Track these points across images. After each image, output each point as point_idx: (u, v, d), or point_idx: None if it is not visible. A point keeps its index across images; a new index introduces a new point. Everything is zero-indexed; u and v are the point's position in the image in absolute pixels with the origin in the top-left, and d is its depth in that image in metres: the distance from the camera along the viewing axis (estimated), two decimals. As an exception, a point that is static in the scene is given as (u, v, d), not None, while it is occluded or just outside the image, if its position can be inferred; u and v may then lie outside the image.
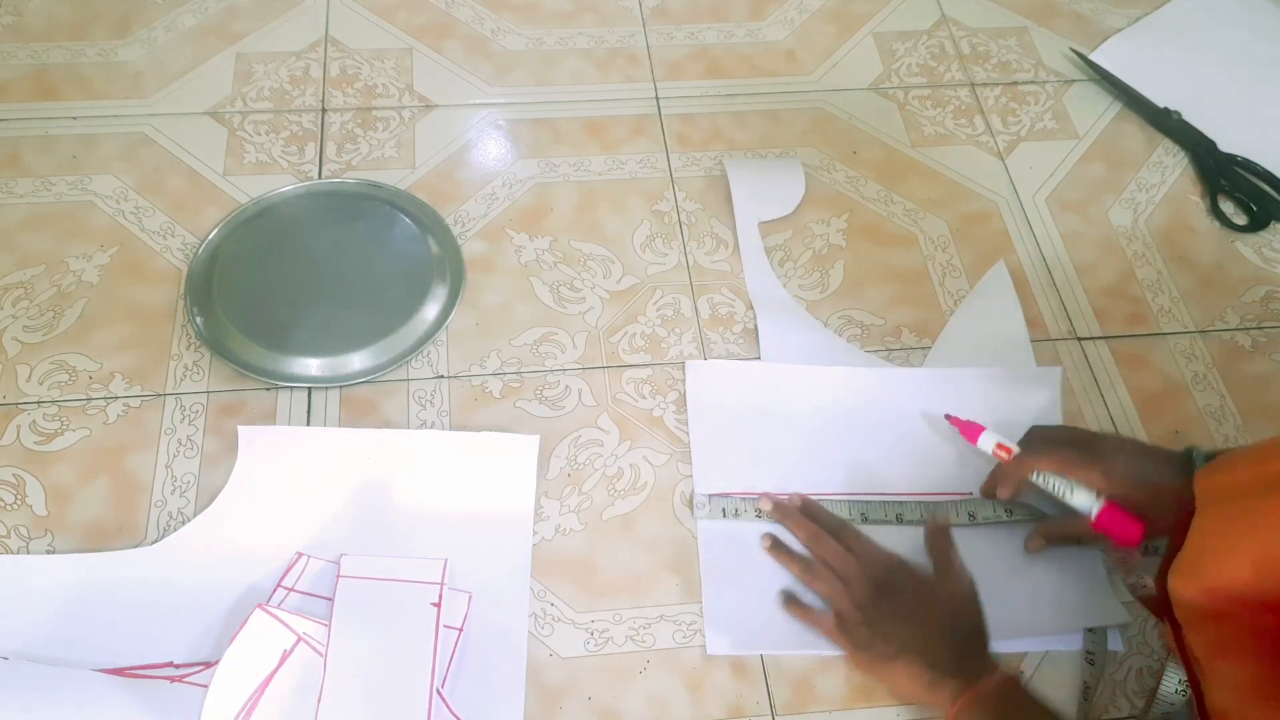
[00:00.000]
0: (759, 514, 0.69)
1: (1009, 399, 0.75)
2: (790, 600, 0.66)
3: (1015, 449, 0.67)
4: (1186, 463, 0.62)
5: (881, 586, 0.63)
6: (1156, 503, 0.62)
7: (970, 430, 0.69)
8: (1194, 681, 0.55)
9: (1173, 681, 0.61)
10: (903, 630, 0.61)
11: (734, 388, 0.75)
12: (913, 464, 0.72)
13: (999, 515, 0.70)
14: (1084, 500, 0.63)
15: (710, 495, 0.70)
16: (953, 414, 0.71)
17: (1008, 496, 0.68)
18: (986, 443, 0.68)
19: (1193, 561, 0.54)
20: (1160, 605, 0.57)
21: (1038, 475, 0.65)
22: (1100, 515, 0.63)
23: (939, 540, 0.66)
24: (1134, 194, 0.90)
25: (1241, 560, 0.51)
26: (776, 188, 0.85)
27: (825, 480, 0.71)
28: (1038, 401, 0.75)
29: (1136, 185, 0.91)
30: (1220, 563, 0.52)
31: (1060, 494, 0.64)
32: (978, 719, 0.57)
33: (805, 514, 0.68)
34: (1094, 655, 0.65)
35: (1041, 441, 0.67)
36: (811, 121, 0.92)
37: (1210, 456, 0.62)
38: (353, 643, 0.60)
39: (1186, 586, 0.54)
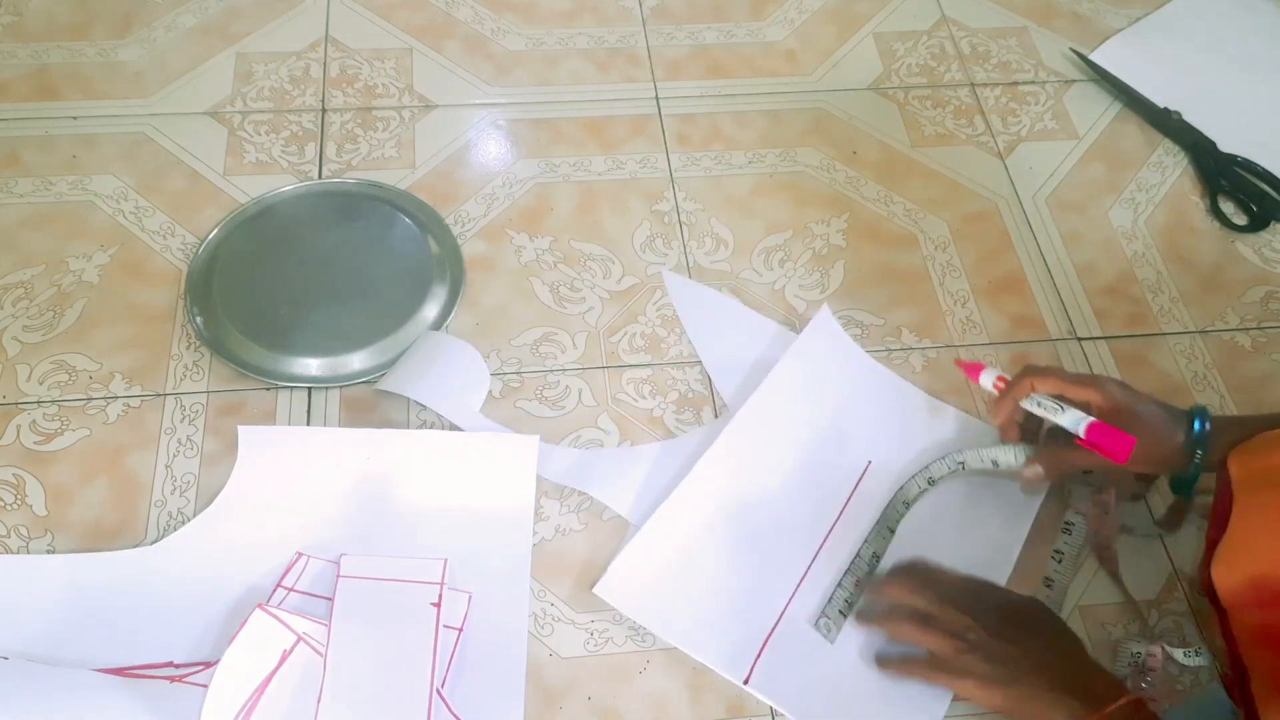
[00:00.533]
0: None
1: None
2: (883, 657, 0.63)
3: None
4: (1185, 419, 0.62)
5: (971, 611, 0.60)
6: (1148, 432, 0.61)
7: (972, 369, 0.70)
8: (1238, 667, 0.55)
9: (1125, 654, 0.63)
10: (1010, 650, 0.58)
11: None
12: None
13: (952, 468, 0.69)
14: (1073, 418, 0.62)
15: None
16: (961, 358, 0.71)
17: (1001, 423, 0.67)
18: (987, 379, 0.68)
19: (1235, 549, 0.54)
20: (1205, 589, 0.56)
21: (1031, 399, 0.65)
22: (1089, 429, 0.62)
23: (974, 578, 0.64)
24: (1134, 194, 0.90)
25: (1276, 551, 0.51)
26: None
27: None
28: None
29: (1136, 185, 0.91)
30: (1264, 551, 0.52)
31: (1052, 413, 0.64)
32: None
33: (889, 573, 0.65)
34: (1061, 554, 0.67)
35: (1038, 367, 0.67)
36: (811, 121, 0.92)
37: (1210, 419, 0.61)
38: (353, 643, 0.60)
39: (1230, 575, 0.54)
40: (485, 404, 0.74)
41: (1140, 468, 0.65)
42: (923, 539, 0.69)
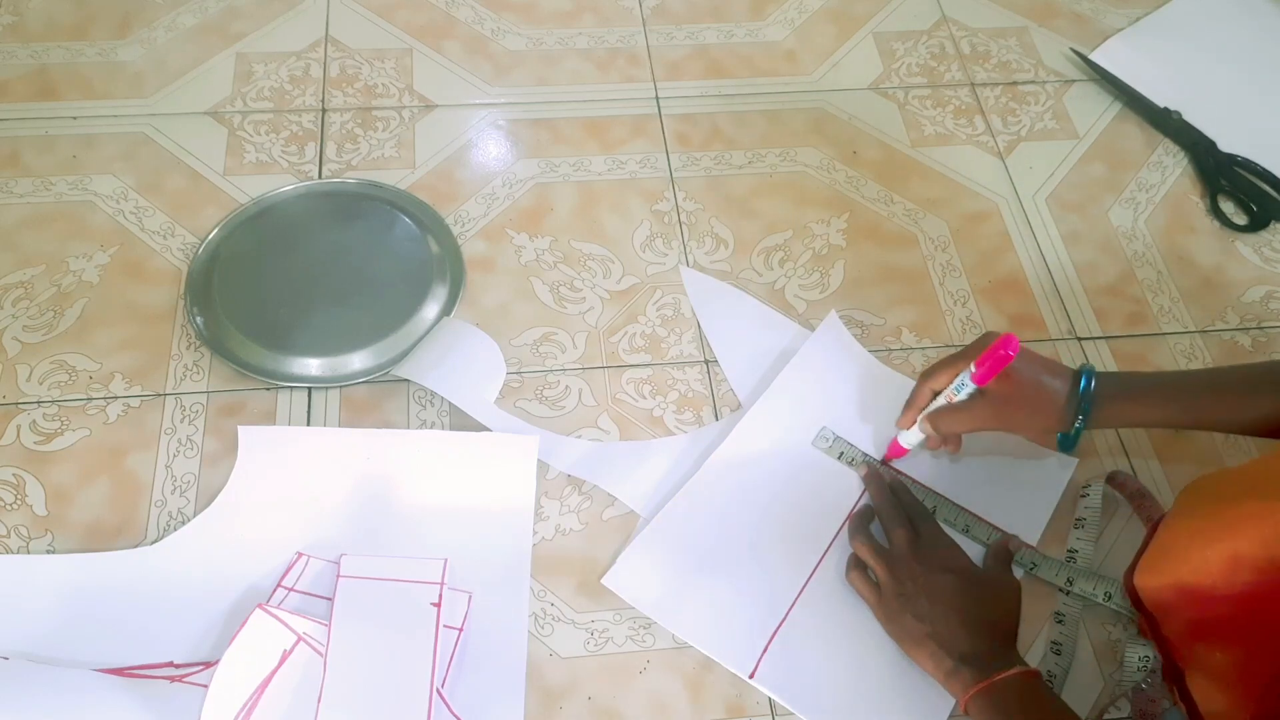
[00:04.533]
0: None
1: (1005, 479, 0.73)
2: (852, 566, 0.66)
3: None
4: (1075, 375, 0.63)
5: (930, 570, 0.63)
6: (1032, 393, 0.63)
7: (894, 452, 0.71)
8: (1171, 664, 0.59)
9: (1133, 659, 0.63)
10: (936, 614, 0.61)
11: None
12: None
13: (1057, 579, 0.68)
14: (962, 378, 0.64)
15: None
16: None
17: (907, 424, 0.68)
18: (908, 439, 0.69)
19: (1158, 558, 0.59)
20: (1131, 597, 0.60)
21: (934, 389, 0.66)
22: (977, 366, 0.62)
23: (1002, 553, 0.67)
24: (1134, 194, 0.90)
25: (1213, 557, 0.54)
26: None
27: None
28: (1039, 492, 0.72)
29: (1136, 185, 0.91)
30: (1191, 559, 0.56)
31: (956, 393, 0.64)
32: (988, 709, 0.58)
33: (895, 489, 0.69)
34: (1063, 615, 0.67)
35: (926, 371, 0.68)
36: (811, 121, 0.92)
37: (1096, 376, 0.63)
38: (353, 643, 0.60)
39: (1151, 581, 0.59)
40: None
41: (1025, 432, 0.66)
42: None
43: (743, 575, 0.67)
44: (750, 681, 0.63)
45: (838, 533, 0.69)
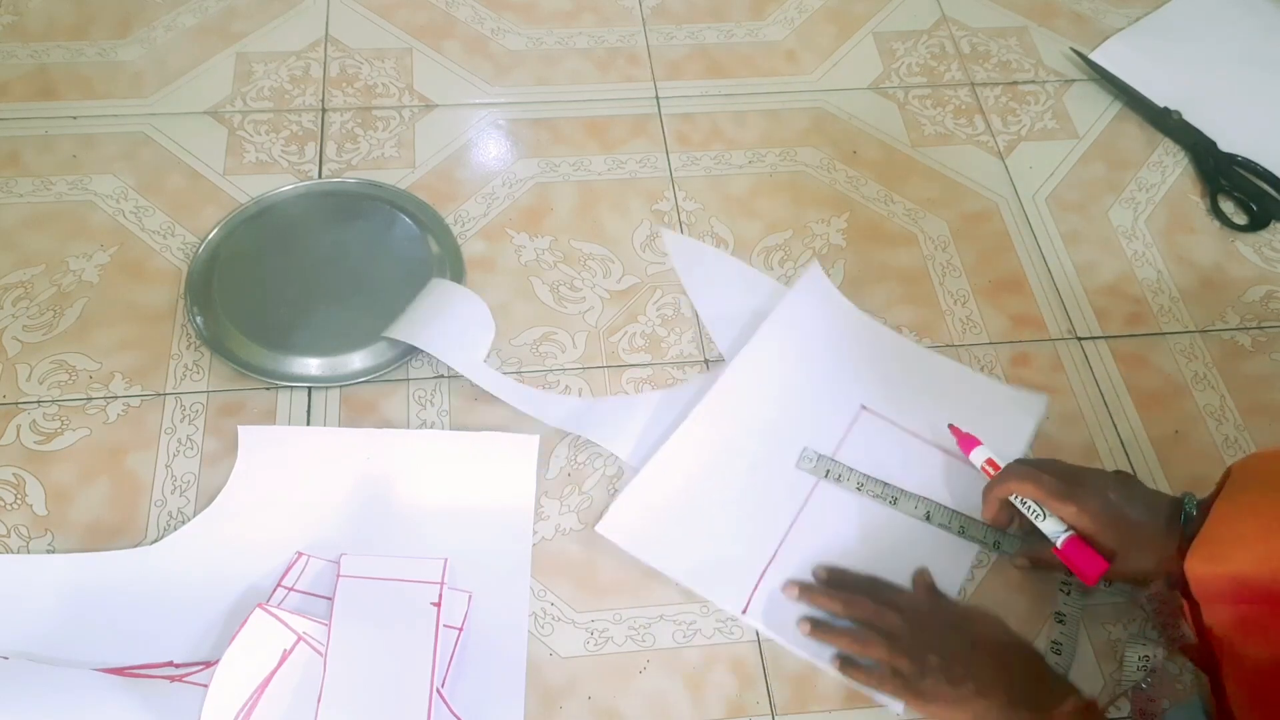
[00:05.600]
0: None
1: (984, 413, 0.75)
2: (845, 663, 0.64)
3: (1004, 468, 0.67)
4: (1176, 509, 0.62)
5: (930, 632, 0.62)
6: (1131, 544, 0.61)
7: (966, 442, 0.70)
8: (1206, 658, 0.56)
9: (1133, 659, 0.63)
10: (970, 672, 0.59)
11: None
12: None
13: (951, 524, 0.69)
14: (1053, 528, 0.63)
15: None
16: (954, 422, 0.71)
17: (988, 517, 0.68)
18: (978, 457, 0.69)
19: (1216, 545, 0.55)
20: (1178, 581, 0.57)
21: (1015, 496, 0.65)
22: (1064, 545, 0.63)
23: (931, 586, 0.66)
24: (1134, 194, 0.90)
25: (1259, 551, 0.52)
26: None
27: None
28: (1014, 425, 0.75)
29: (1136, 185, 0.91)
30: (1248, 551, 0.53)
31: (1035, 518, 0.64)
32: None
33: (832, 584, 0.66)
34: (1063, 615, 0.66)
35: (1027, 465, 0.66)
36: (811, 121, 0.92)
37: (1204, 504, 0.60)
38: (353, 642, 0.60)
39: (1206, 568, 0.55)
40: (485, 403, 0.74)
41: (1124, 579, 0.64)
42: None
43: (732, 517, 0.69)
44: (742, 618, 0.65)
45: (823, 474, 0.71)
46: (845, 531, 0.69)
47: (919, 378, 0.77)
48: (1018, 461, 0.67)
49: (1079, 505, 0.62)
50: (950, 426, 0.71)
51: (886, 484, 0.71)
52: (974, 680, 0.59)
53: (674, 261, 0.81)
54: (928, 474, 0.72)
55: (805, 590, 0.66)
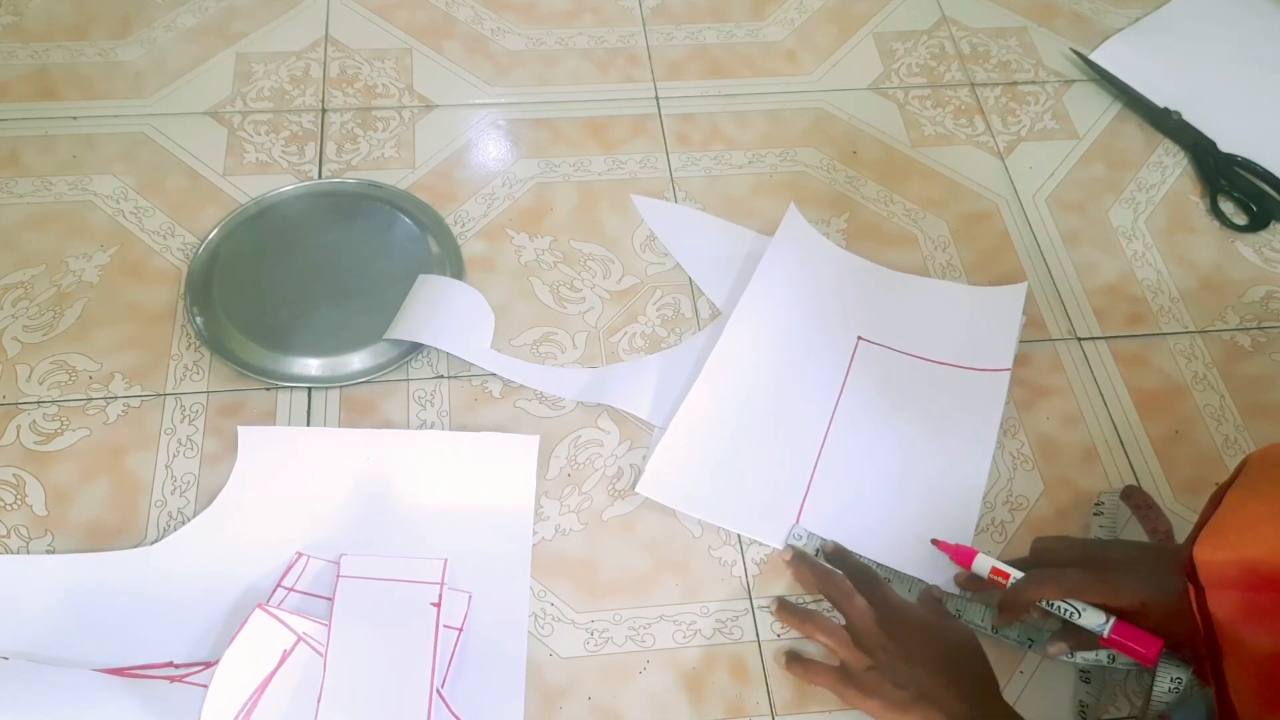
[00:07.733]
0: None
1: (971, 317, 0.79)
2: (792, 658, 0.64)
3: (1013, 574, 0.62)
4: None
5: (893, 632, 0.61)
6: (1173, 615, 0.58)
7: (962, 555, 0.65)
8: (1210, 644, 0.55)
9: (1164, 681, 0.60)
10: (918, 676, 0.59)
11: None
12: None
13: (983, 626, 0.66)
14: (1094, 620, 0.60)
15: None
16: (938, 538, 0.67)
17: (1004, 624, 0.64)
18: (981, 567, 0.64)
19: (1227, 531, 0.55)
20: (1185, 566, 0.56)
21: (1044, 601, 0.61)
22: (1114, 631, 0.59)
23: (933, 599, 0.65)
24: (1134, 194, 0.90)
25: (1270, 538, 0.51)
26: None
27: None
28: (1002, 321, 0.79)
29: (1136, 185, 0.91)
30: (1261, 537, 0.53)
31: (1069, 617, 0.61)
32: None
33: (830, 561, 0.66)
34: (1089, 674, 0.64)
35: (1043, 564, 0.63)
36: (811, 121, 0.92)
37: (1218, 493, 0.59)
38: (353, 643, 0.60)
39: (1216, 554, 0.55)
40: (485, 403, 0.74)
41: (1180, 642, 0.60)
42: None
43: (763, 456, 0.72)
44: (791, 543, 0.68)
45: (835, 406, 0.74)
46: (869, 455, 0.72)
47: (905, 301, 0.80)
48: (1035, 544, 0.65)
49: (1111, 590, 0.59)
50: (935, 542, 0.66)
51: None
52: (917, 686, 0.58)
53: (651, 226, 0.83)
54: (932, 393, 0.75)
55: (796, 557, 0.67)
